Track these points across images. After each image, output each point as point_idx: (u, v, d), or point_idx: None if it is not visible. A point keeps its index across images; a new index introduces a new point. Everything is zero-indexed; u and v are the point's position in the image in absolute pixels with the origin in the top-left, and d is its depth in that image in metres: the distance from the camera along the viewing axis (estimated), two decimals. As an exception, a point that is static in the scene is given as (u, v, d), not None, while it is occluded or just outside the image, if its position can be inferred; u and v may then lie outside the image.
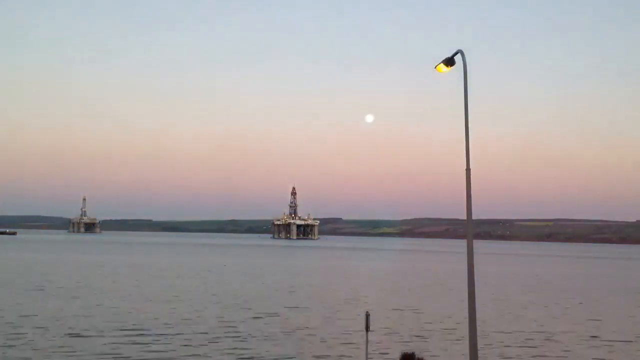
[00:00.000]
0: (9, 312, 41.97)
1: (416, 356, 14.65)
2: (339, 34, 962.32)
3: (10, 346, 30.34)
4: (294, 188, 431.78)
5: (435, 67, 20.03)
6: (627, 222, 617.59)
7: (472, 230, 19.57)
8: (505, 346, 34.23)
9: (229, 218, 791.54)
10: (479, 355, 19.22)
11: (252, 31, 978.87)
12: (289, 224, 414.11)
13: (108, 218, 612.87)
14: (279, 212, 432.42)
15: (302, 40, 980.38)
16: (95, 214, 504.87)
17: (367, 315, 20.15)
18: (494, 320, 43.40)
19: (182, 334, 35.26)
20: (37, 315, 40.59)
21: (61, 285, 62.33)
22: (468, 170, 19.19)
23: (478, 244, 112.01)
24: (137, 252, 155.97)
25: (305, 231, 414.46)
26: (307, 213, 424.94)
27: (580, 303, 59.06)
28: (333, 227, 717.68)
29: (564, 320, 46.15)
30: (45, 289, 57.70)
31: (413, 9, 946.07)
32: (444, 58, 19.77)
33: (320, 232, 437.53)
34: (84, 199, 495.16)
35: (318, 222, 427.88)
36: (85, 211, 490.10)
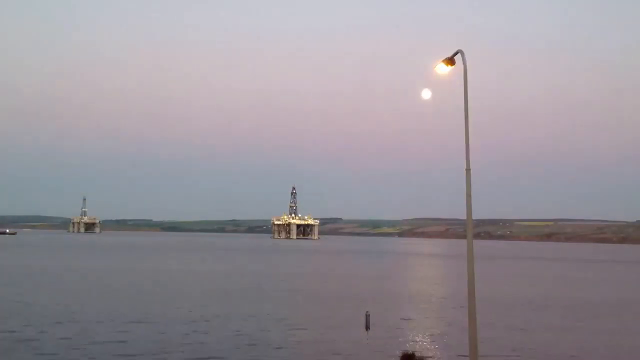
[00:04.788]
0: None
1: (416, 356, 14.65)
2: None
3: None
4: (294, 188, 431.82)
5: (434, 68, 20.03)
6: (627, 222, 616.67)
7: (472, 230, 19.58)
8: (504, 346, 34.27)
9: (229, 218, 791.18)
10: (479, 355, 19.21)
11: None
12: (289, 224, 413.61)
13: (108, 218, 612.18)
14: (279, 212, 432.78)
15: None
16: (95, 214, 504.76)
17: (367, 315, 20.18)
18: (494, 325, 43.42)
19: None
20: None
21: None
22: (468, 170, 19.22)
23: (478, 244, 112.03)
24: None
25: (305, 231, 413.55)
26: (307, 213, 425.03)
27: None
28: (333, 227, 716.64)
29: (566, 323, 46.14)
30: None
31: None
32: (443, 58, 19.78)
33: (320, 232, 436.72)
34: (84, 199, 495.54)
35: (318, 222, 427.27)
36: (85, 211, 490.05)
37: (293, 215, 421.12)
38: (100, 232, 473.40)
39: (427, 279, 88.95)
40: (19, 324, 37.64)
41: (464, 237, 21.18)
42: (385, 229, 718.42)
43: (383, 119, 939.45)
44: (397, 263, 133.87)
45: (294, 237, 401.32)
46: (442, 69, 19.77)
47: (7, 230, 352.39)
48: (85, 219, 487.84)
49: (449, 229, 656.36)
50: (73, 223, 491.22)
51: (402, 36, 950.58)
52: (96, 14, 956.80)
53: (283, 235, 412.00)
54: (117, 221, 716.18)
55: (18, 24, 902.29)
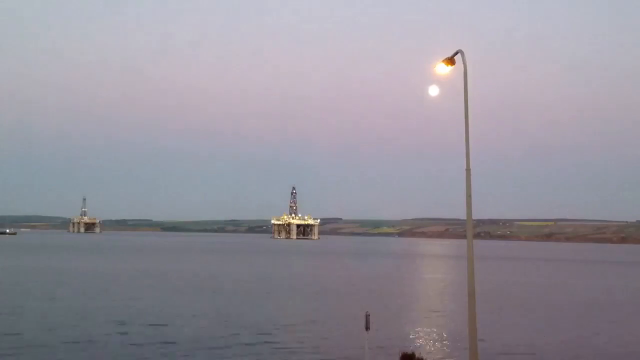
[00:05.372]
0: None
1: (416, 356, 14.69)
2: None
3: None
4: (294, 188, 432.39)
5: (434, 68, 20.04)
6: (627, 222, 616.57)
7: (472, 230, 19.59)
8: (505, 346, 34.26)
9: (229, 218, 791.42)
10: (479, 355, 19.23)
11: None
12: (289, 224, 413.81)
13: (108, 218, 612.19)
14: (279, 212, 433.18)
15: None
16: (95, 214, 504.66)
17: (367, 316, 20.16)
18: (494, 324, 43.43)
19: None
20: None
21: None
22: (468, 170, 19.23)
23: (478, 244, 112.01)
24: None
25: (305, 231, 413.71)
26: (307, 213, 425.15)
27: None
28: (333, 227, 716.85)
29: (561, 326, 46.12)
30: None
31: None
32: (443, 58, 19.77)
33: (320, 232, 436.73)
34: (84, 199, 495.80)
35: (318, 222, 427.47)
36: (85, 211, 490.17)
37: (293, 215, 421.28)
38: (101, 232, 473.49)
39: (427, 279, 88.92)
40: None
41: (464, 237, 21.19)
42: (385, 229, 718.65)
43: (383, 118, 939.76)
44: (397, 263, 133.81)
45: (294, 237, 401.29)
46: (442, 69, 19.78)
47: (7, 230, 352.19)
48: (85, 219, 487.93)
49: (449, 229, 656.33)
50: (73, 223, 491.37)
51: (404, 36, 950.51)
52: (105, 13, 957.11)
53: (283, 235, 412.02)
54: (117, 221, 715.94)
55: (19, 22, 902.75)
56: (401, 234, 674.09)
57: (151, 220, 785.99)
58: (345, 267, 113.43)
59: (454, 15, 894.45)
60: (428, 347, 33.20)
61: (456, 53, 19.60)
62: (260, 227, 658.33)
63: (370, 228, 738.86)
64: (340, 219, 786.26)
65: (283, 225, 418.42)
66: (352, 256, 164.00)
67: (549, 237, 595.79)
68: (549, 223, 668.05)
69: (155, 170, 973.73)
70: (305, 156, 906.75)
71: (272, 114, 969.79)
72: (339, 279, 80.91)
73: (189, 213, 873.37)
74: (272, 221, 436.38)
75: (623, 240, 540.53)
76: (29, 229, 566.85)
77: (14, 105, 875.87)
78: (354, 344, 32.45)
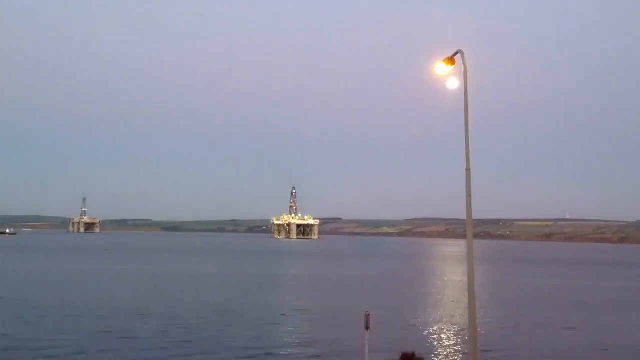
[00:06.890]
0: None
1: (416, 356, 14.66)
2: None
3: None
4: (294, 188, 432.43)
5: (433, 68, 19.99)
6: (627, 222, 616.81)
7: (472, 230, 19.57)
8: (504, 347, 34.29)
9: (229, 218, 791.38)
10: (479, 355, 19.23)
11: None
12: (289, 224, 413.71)
13: (108, 218, 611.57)
14: (279, 212, 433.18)
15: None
16: (95, 214, 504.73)
17: (367, 315, 20.15)
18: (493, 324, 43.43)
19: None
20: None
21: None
22: (468, 170, 19.20)
23: (478, 244, 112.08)
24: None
25: (305, 231, 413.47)
26: (307, 213, 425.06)
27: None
28: (333, 227, 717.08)
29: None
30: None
31: None
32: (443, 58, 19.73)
33: (320, 232, 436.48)
34: (84, 199, 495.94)
35: (318, 222, 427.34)
36: (85, 211, 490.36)
37: (293, 215, 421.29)
38: (100, 232, 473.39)
39: (428, 279, 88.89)
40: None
41: (464, 237, 21.19)
42: (386, 229, 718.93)
43: (383, 118, 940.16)
44: (397, 263, 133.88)
45: (294, 237, 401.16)
46: (442, 69, 19.74)
47: (8, 230, 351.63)
48: (85, 219, 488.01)
49: (449, 229, 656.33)
50: (73, 223, 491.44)
51: (406, 36, 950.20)
52: (106, 14, 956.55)
53: (283, 235, 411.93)
54: (117, 221, 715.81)
55: (23, 24, 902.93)
56: (401, 234, 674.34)
57: (151, 220, 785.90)
58: (345, 266, 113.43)
59: (454, 15, 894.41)
60: (428, 347, 33.19)
61: (456, 53, 19.57)
62: (260, 227, 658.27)
63: (371, 228, 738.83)
64: (340, 219, 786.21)
65: (283, 225, 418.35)
66: (352, 257, 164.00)
67: (549, 237, 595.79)
68: (549, 223, 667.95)
69: (155, 170, 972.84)
70: (306, 156, 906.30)
71: (273, 113, 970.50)
72: (339, 279, 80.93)
73: (189, 213, 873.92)
74: (272, 221, 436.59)
75: (623, 240, 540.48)
76: (29, 229, 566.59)
77: (14, 105, 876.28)
78: (354, 344, 32.49)
